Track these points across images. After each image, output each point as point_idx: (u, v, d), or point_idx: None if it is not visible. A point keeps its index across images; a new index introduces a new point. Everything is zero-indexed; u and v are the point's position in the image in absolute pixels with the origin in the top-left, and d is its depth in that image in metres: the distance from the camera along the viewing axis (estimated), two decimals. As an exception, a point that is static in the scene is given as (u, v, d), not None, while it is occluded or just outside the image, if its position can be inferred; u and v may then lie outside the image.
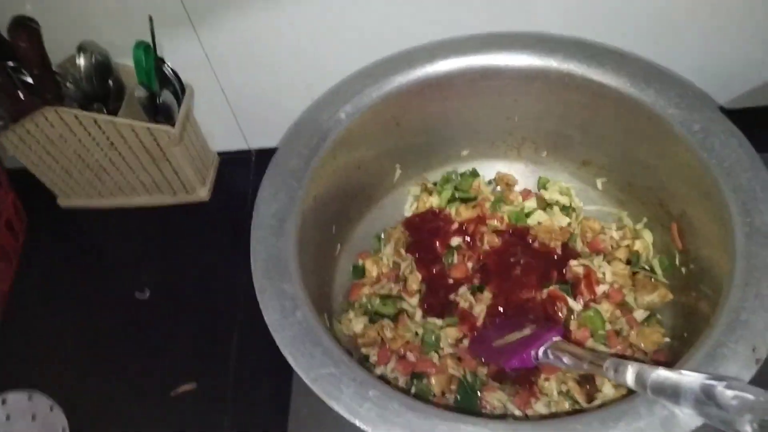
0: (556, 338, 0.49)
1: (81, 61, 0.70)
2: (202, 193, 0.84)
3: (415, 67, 0.59)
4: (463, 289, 0.61)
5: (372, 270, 0.63)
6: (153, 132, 0.73)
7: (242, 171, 0.87)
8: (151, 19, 0.67)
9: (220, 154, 0.88)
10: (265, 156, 0.85)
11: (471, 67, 0.60)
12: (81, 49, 0.70)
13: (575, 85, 0.57)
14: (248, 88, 0.79)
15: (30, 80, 0.69)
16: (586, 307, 0.58)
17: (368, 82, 0.59)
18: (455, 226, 0.65)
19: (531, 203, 0.66)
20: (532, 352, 0.49)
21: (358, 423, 0.39)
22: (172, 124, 0.73)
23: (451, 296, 0.61)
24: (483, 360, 0.55)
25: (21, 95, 0.69)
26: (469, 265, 0.63)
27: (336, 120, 0.56)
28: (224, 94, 0.79)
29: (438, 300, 0.61)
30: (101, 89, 0.73)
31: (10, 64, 0.68)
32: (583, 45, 0.58)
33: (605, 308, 0.57)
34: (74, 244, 0.83)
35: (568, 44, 0.58)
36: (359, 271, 0.64)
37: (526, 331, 0.53)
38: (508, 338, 0.53)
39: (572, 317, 0.58)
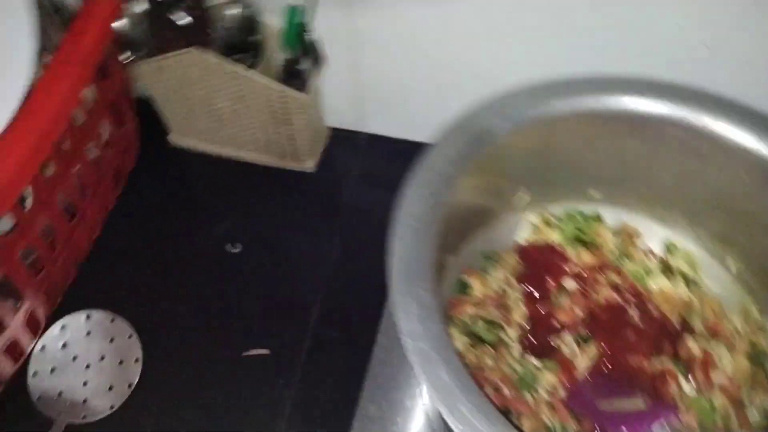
0: (674, 420, 0.47)
1: (232, 11, 0.70)
2: (310, 164, 0.84)
3: (580, 96, 0.57)
4: (568, 337, 0.59)
5: (478, 290, 0.62)
6: (286, 95, 0.72)
7: (350, 150, 0.87)
8: (317, -12, 0.66)
9: (331, 129, 0.87)
10: (375, 141, 0.86)
11: (633, 111, 0.57)
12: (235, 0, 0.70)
13: (748, 158, 0.54)
14: (382, 74, 0.78)
15: (181, 19, 0.69)
16: (697, 392, 0.56)
17: (529, 102, 0.57)
18: (572, 267, 0.63)
19: (654, 265, 0.63)
20: (645, 428, 0.47)
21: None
22: (303, 91, 0.73)
23: (554, 340, 0.59)
24: (584, 417, 0.54)
25: (170, 32, 0.69)
26: (578, 312, 0.61)
27: (492, 132, 0.55)
28: (358, 73, 0.78)
29: (539, 340, 0.59)
30: (242, 43, 0.73)
31: (166, -2, 0.69)
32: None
33: (719, 401, 0.55)
34: (177, 182, 0.84)
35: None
36: (462, 287, 0.63)
37: (639, 403, 0.51)
38: (618, 404, 0.51)
39: (680, 398, 0.55)
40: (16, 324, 0.60)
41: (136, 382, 0.66)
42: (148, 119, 0.83)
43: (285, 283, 0.75)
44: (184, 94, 0.76)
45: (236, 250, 0.77)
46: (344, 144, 0.87)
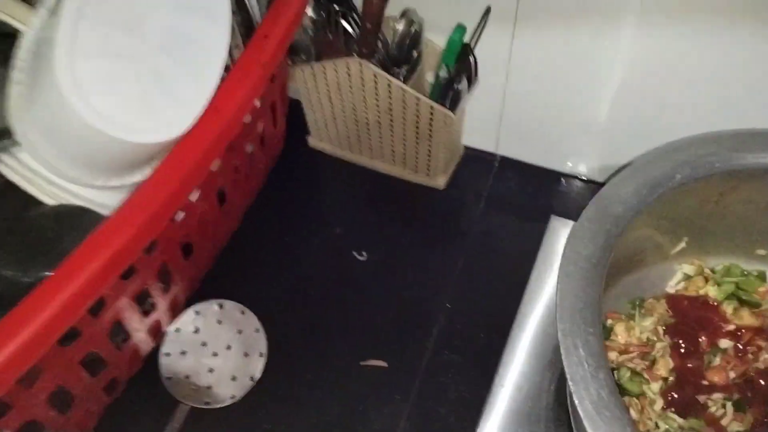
0: None
1: (400, 27, 0.71)
2: (441, 181, 0.83)
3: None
4: (719, 395, 0.55)
5: (622, 336, 0.59)
6: (434, 111, 0.72)
7: (482, 172, 0.86)
8: (488, 11, 0.65)
9: (465, 147, 0.87)
10: (507, 164, 0.84)
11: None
12: (404, 14, 0.70)
13: None
14: (528, 100, 0.76)
15: (349, 26, 0.71)
16: None
17: (713, 150, 0.53)
18: (730, 327, 0.58)
19: (824, 336, 0.58)
20: None
21: None
22: (453, 109, 0.73)
23: (702, 398, 0.55)
24: None
25: (335, 39, 0.71)
26: (732, 374, 0.56)
27: (670, 177, 0.52)
28: (504, 96, 0.77)
29: (685, 396, 0.55)
30: (403, 57, 0.74)
31: (336, 7, 0.70)
32: None
33: None
34: (313, 184, 0.86)
35: None
36: (606, 332, 0.60)
37: None
38: None
39: None
40: (163, 306, 0.63)
41: (258, 377, 0.68)
42: (291, 120, 0.86)
43: (407, 297, 0.74)
44: (332, 100, 0.78)
45: (363, 258, 0.78)
46: (476, 164, 0.86)
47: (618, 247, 0.52)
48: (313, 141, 0.87)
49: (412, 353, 0.70)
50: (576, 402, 0.40)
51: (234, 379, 0.68)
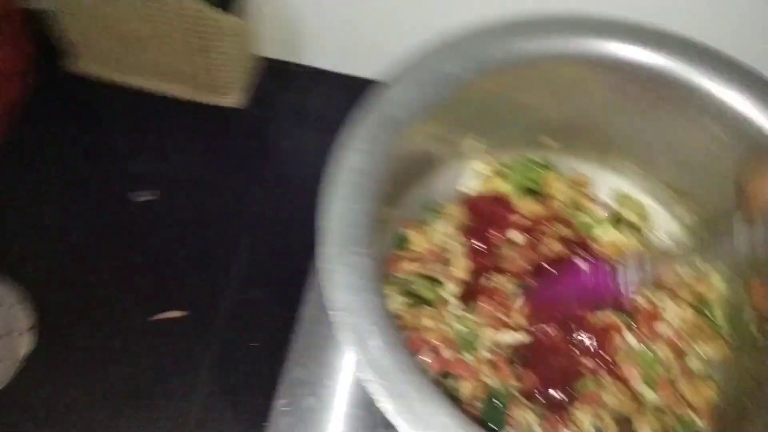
0: None
1: None
2: (235, 99, 0.74)
3: (548, 38, 0.51)
4: (503, 278, 0.55)
5: (418, 244, 0.56)
6: (205, 16, 0.62)
7: (284, 85, 0.77)
8: None
9: (264, 59, 0.77)
10: (315, 76, 0.76)
11: (603, 54, 0.51)
12: None
13: (725, 114, 0.50)
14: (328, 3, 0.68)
15: None
16: (640, 342, 0.54)
17: (493, 42, 0.50)
18: (518, 219, 0.58)
19: (603, 215, 0.60)
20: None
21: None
22: (228, 11, 0.63)
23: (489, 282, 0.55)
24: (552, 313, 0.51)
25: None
26: (524, 264, 0.57)
27: (452, 74, 0.48)
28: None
29: (478, 287, 0.55)
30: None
31: None
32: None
33: (663, 352, 0.53)
34: (79, 117, 0.72)
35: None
36: (401, 242, 0.57)
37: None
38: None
39: (622, 350, 0.53)
40: None
41: (25, 356, 0.58)
42: (41, 40, 0.70)
43: (203, 235, 0.67)
44: (90, 10, 0.64)
45: (148, 198, 0.68)
46: (277, 77, 0.77)
47: (401, 152, 0.48)
48: (75, 64, 0.72)
49: (213, 296, 0.64)
50: (339, 335, 0.36)
51: (-5, 362, 0.57)
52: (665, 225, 0.60)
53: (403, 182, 0.57)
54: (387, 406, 0.34)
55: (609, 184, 0.62)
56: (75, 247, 0.64)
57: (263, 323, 0.63)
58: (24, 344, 0.58)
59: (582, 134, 0.60)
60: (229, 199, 0.69)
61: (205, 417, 0.58)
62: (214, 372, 0.60)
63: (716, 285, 0.56)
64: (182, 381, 0.60)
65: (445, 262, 0.57)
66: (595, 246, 0.58)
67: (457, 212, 0.58)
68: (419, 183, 0.60)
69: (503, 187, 0.60)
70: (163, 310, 0.62)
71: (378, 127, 0.44)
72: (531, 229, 0.58)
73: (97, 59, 0.71)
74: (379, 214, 0.49)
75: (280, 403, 0.55)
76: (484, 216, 0.58)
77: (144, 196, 0.68)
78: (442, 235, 0.57)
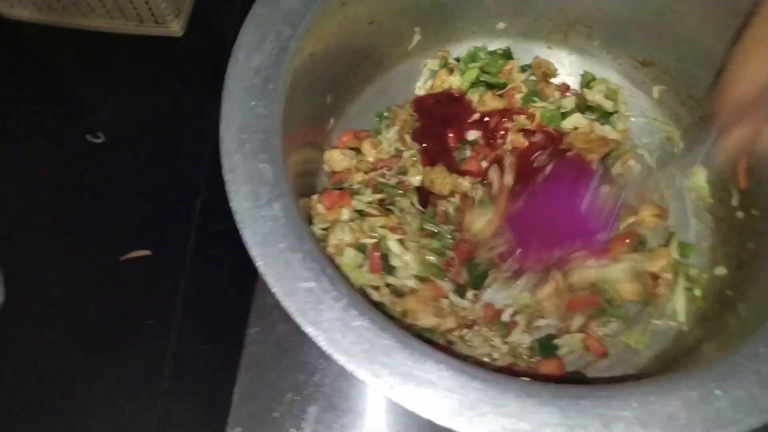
0: None
1: None
2: (175, 27, 0.70)
3: None
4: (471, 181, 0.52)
5: (369, 154, 0.53)
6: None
7: (225, 7, 0.72)
8: None
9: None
10: None
11: None
12: None
13: None
14: None
15: None
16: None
17: None
18: (475, 116, 0.53)
19: (569, 102, 0.54)
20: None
21: (336, 356, 0.31)
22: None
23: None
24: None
25: None
26: (484, 164, 0.52)
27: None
28: None
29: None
30: None
31: None
32: None
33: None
34: (17, 66, 0.69)
35: None
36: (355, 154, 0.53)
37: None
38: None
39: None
40: None
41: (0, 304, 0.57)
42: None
43: (161, 173, 0.64)
44: None
45: (100, 140, 0.65)
46: (217, 0, 0.72)
47: (316, 53, 0.43)
48: (9, 10, 0.69)
49: (177, 233, 0.61)
50: (246, 240, 0.33)
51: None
52: (636, 102, 0.55)
53: (348, 90, 0.53)
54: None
55: (575, 66, 0.56)
56: (36, 194, 0.63)
57: (231, 255, 0.61)
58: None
59: (540, 12, 0.54)
60: (185, 132, 0.66)
61: (181, 351, 0.58)
62: (186, 306, 0.59)
63: (698, 175, 0.51)
64: (156, 318, 0.59)
65: (402, 172, 0.53)
66: (565, 137, 0.53)
67: (407, 115, 0.54)
68: (369, 90, 0.56)
69: (457, 82, 0.55)
70: (131, 250, 0.61)
71: (272, 23, 0.40)
72: (489, 126, 0.53)
73: (30, 2, 0.67)
74: (321, 126, 0.46)
75: (253, 331, 0.54)
76: (437, 116, 0.53)
77: (100, 138, 0.65)
78: (394, 141, 0.53)
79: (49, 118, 0.67)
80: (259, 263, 0.33)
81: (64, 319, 0.58)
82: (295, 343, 0.53)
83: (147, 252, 0.61)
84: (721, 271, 0.47)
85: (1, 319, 0.58)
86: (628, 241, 0.48)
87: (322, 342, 0.32)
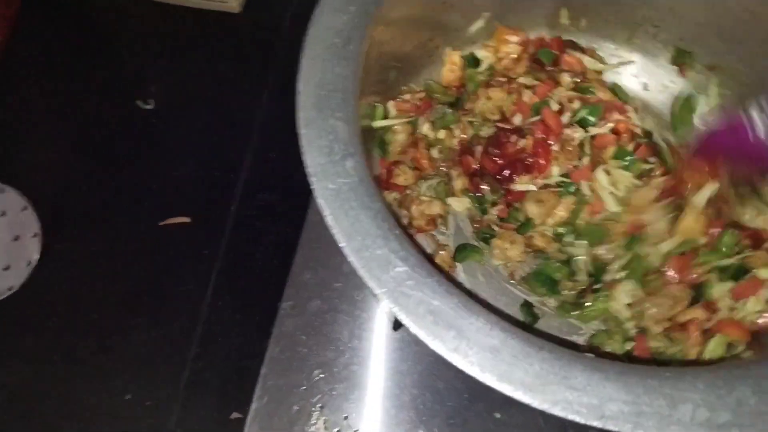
0: None
1: None
2: (233, 3, 0.70)
3: None
4: None
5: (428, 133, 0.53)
6: None
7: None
8: None
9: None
10: None
11: None
12: None
13: None
14: None
15: None
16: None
17: None
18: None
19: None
20: None
21: (400, 316, 0.31)
22: None
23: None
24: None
25: None
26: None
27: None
28: None
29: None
30: None
31: None
32: None
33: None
34: (77, 27, 0.70)
35: None
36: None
37: None
38: None
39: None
40: None
41: (36, 259, 0.58)
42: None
43: (207, 143, 0.64)
44: None
45: (150, 107, 0.66)
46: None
47: (395, 20, 0.43)
48: (66, -26, 0.70)
49: (218, 203, 0.62)
50: (316, 195, 0.33)
51: (8, 268, 0.57)
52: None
53: (414, 65, 0.53)
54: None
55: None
56: (80, 156, 0.63)
57: (271, 228, 0.61)
58: (35, 248, 0.58)
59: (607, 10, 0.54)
60: (233, 105, 0.67)
61: (213, 319, 0.58)
62: (222, 275, 0.59)
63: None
64: (193, 283, 0.59)
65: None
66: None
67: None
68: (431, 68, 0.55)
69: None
70: (171, 216, 0.61)
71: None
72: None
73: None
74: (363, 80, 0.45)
75: (287, 305, 0.54)
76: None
77: (149, 104, 0.66)
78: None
79: (104, 80, 0.68)
80: (329, 218, 0.33)
81: (101, 277, 0.59)
82: (327, 320, 0.53)
83: (186, 219, 0.61)
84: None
85: (43, 271, 0.58)
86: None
87: (386, 299, 0.32)
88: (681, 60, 0.54)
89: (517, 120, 0.50)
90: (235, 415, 0.51)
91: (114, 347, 0.55)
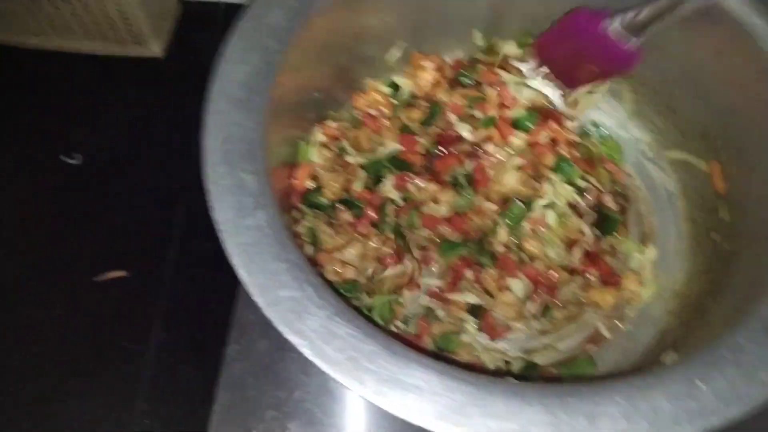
0: None
1: None
2: (156, 48, 0.70)
3: None
4: None
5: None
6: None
7: (208, 27, 0.73)
8: None
9: (183, 3, 0.73)
10: (237, 11, 0.72)
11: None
12: None
13: None
14: None
15: None
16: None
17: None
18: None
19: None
20: None
21: (321, 365, 0.31)
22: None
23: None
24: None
25: None
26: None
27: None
28: None
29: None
30: None
31: None
32: None
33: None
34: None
35: None
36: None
37: None
38: None
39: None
40: None
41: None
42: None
43: (139, 192, 0.64)
44: None
45: (75, 162, 0.65)
46: (200, 20, 0.72)
47: (301, 66, 0.44)
48: (-18, 32, 0.69)
49: (156, 253, 0.61)
50: (228, 250, 0.33)
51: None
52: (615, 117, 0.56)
53: (334, 103, 0.53)
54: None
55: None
56: (8, 213, 0.62)
57: (210, 274, 0.60)
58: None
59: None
60: (164, 153, 0.66)
61: (159, 372, 0.57)
62: (164, 327, 0.58)
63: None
64: (133, 339, 0.58)
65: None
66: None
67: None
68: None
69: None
70: (106, 271, 0.60)
71: (258, 37, 0.40)
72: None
73: (6, 24, 0.67)
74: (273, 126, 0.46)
75: (232, 350, 0.54)
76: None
77: (75, 159, 0.65)
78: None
79: (26, 138, 0.66)
80: (242, 273, 0.33)
81: (37, 342, 0.57)
82: (275, 359, 0.53)
83: (123, 273, 0.61)
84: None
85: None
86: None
87: (306, 351, 0.32)
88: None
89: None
90: (189, 467, 0.51)
91: (54, 414, 0.54)
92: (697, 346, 0.38)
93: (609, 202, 0.51)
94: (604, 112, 0.57)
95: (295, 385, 0.51)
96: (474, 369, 0.32)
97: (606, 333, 0.49)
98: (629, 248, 0.52)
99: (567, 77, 0.54)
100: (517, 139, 0.51)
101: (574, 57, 0.51)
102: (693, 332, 0.43)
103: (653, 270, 0.51)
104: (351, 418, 0.48)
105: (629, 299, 0.50)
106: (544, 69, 0.55)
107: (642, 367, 0.43)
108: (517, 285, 0.47)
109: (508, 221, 0.48)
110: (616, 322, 0.50)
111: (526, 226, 0.48)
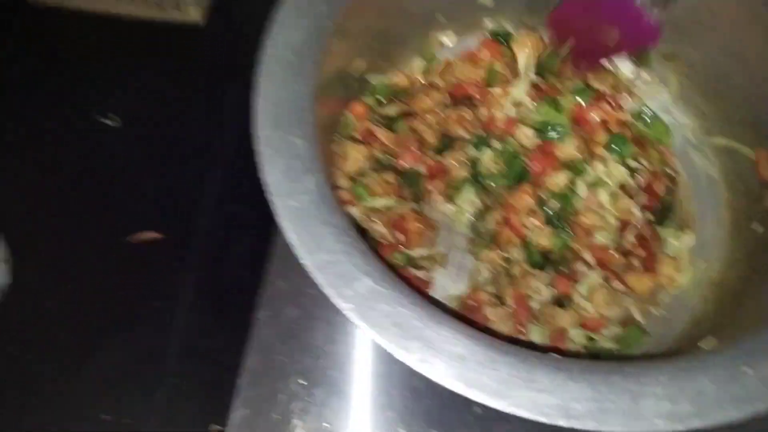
0: None
1: None
2: (195, 14, 0.70)
3: None
4: None
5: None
6: None
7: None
8: None
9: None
10: None
11: None
12: None
13: None
14: None
15: None
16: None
17: None
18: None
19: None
20: None
21: (367, 330, 0.31)
22: None
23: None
24: None
25: None
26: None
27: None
28: None
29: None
30: None
31: None
32: None
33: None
34: (40, 49, 0.69)
35: None
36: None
37: None
38: None
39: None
40: None
41: (7, 285, 0.57)
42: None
43: (175, 156, 0.64)
44: None
45: (114, 124, 0.65)
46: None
47: (350, 32, 0.43)
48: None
49: (190, 217, 0.61)
50: (278, 213, 0.33)
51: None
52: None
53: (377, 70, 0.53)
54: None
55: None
56: (44, 176, 0.63)
57: (242, 238, 0.61)
58: (4, 274, 0.57)
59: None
60: (201, 118, 0.66)
61: (189, 333, 0.58)
62: (195, 289, 0.59)
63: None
64: (165, 299, 0.58)
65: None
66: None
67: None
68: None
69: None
70: (141, 232, 0.61)
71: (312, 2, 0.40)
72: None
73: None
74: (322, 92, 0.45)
75: (262, 314, 0.54)
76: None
77: (113, 120, 0.65)
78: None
79: (66, 98, 0.67)
80: (290, 235, 0.33)
81: (72, 299, 0.58)
82: (303, 327, 0.53)
83: (157, 235, 0.61)
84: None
85: (9, 298, 0.58)
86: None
87: (352, 315, 0.32)
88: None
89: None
90: (214, 427, 0.51)
91: (86, 370, 0.55)
92: (739, 333, 0.37)
93: (659, 186, 0.50)
94: (648, 95, 0.56)
95: (322, 353, 0.52)
96: (518, 343, 0.32)
97: (639, 317, 0.49)
98: (667, 233, 0.51)
99: (582, 52, 0.53)
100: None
101: (592, 30, 0.49)
102: (731, 320, 0.43)
103: (690, 256, 0.51)
104: (375, 387, 0.48)
105: (665, 285, 0.49)
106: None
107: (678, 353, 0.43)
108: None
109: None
110: (650, 307, 0.50)
111: (580, 202, 0.48)
